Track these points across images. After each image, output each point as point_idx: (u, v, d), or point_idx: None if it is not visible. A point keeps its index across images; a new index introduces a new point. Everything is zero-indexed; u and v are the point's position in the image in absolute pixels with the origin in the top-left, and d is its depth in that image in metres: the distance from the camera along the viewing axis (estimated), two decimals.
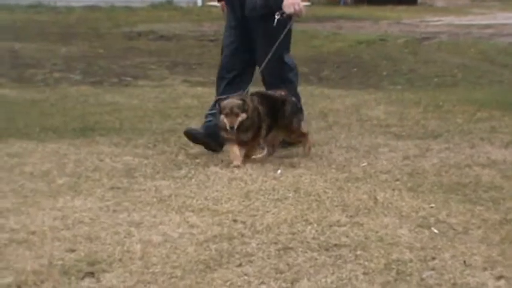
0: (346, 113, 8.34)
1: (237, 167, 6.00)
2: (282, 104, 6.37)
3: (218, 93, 6.60)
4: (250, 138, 6.17)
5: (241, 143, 6.15)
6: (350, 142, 6.97)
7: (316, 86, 10.59)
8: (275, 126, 6.35)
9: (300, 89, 10.16)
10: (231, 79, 6.61)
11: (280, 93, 6.42)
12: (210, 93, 9.73)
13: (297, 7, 6.27)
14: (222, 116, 6.09)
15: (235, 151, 6.12)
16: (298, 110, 6.53)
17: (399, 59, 12.49)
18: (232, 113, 6.06)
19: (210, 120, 6.58)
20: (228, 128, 6.06)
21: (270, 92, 6.48)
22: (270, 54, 6.36)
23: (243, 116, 6.07)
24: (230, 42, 6.63)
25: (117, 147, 6.82)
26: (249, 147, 6.22)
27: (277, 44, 6.34)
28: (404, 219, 4.82)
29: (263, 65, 6.42)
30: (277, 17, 6.29)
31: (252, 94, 6.38)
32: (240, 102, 6.09)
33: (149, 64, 12.48)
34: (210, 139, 6.48)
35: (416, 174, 5.90)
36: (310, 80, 11.22)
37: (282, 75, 6.59)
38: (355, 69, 12.08)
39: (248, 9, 6.42)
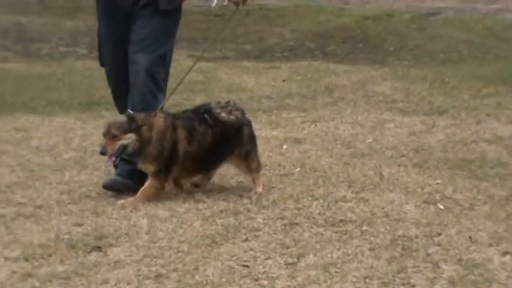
0: (352, 89, 8.30)
1: (124, 205, 4.66)
2: (238, 128, 4.91)
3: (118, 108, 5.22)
4: (152, 171, 4.75)
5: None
6: (356, 118, 6.94)
7: (322, 61, 10.54)
8: (228, 158, 4.95)
9: (306, 64, 10.24)
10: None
11: (231, 112, 4.93)
12: (215, 69, 9.75)
13: None
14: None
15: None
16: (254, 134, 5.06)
17: (405, 35, 12.42)
18: (108, 134, 4.65)
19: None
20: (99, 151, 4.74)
21: (217, 111, 4.90)
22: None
23: (129, 138, 4.65)
24: (119, 52, 5.07)
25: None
26: (147, 184, 4.76)
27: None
28: (410, 195, 4.81)
29: (143, 62, 4.94)
30: (224, 3, 5.17)
31: (187, 112, 4.93)
32: (123, 120, 4.70)
33: None
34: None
35: (422, 150, 5.88)
36: (315, 55, 11.17)
37: (159, 79, 5.02)
38: (361, 45, 12.01)
39: (163, 3, 4.99)
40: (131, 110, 4.85)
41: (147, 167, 4.73)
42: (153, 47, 4.95)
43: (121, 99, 5.08)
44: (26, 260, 3.85)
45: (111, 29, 5.07)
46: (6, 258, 3.86)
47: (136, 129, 4.64)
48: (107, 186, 4.87)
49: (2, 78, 8.88)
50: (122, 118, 4.71)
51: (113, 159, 4.65)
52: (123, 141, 4.63)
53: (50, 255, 3.91)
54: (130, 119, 4.66)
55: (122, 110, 5.06)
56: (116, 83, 5.11)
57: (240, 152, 4.91)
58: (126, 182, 4.89)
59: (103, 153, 4.65)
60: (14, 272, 3.71)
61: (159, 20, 4.99)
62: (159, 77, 5.00)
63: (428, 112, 7.19)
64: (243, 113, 4.99)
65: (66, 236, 4.16)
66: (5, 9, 14.13)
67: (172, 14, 5.05)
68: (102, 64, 5.17)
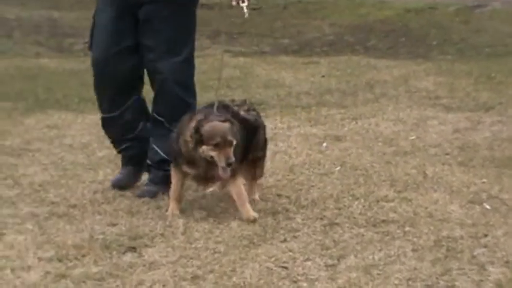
0: (393, 85, 8.22)
1: (173, 215, 4.42)
2: (255, 128, 4.70)
3: (102, 106, 4.91)
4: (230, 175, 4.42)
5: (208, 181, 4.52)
6: (398, 114, 6.84)
7: (363, 56, 10.45)
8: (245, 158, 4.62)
9: (346, 59, 10.15)
10: (118, 89, 4.79)
11: (247, 110, 4.71)
12: (252, 64, 9.69)
13: None
14: (207, 148, 4.30)
15: (177, 195, 4.50)
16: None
17: (449, 28, 12.26)
18: (226, 143, 4.31)
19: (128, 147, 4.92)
20: (224, 164, 4.29)
21: (236, 109, 4.63)
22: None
23: (234, 143, 4.37)
24: (113, 39, 4.71)
25: None
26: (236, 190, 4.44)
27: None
28: (455, 195, 4.72)
29: (164, 65, 4.67)
30: (244, 5, 4.74)
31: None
32: (229, 125, 4.38)
33: None
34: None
35: (467, 148, 5.78)
36: (356, 50, 11.07)
37: (189, 83, 4.81)
38: (403, 39, 11.88)
39: None
40: (158, 116, 4.73)
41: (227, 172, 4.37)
42: (174, 51, 4.66)
43: (106, 92, 4.78)
44: (60, 260, 3.82)
45: (112, 19, 4.68)
46: (40, 259, 3.83)
47: (236, 133, 4.39)
48: (140, 196, 4.74)
49: (34, 74, 8.91)
50: (225, 124, 4.33)
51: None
52: (232, 147, 4.32)
53: (83, 255, 3.87)
54: (232, 122, 4.37)
55: (107, 102, 4.80)
56: (102, 72, 4.73)
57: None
58: (159, 188, 4.74)
59: (231, 164, 4.27)
60: (47, 272, 3.69)
61: (174, 18, 4.66)
62: (190, 81, 4.79)
63: (473, 108, 7.06)
64: (259, 115, 4.78)
65: (100, 236, 4.12)
66: (37, 4, 14.23)
67: (187, 9, 4.73)
68: (92, 51, 4.81)
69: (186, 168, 4.42)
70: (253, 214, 4.34)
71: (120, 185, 4.84)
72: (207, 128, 4.31)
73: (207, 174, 4.40)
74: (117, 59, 4.68)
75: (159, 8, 4.64)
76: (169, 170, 4.68)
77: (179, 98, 4.70)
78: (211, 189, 4.77)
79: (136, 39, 4.71)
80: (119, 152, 5.00)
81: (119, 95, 4.78)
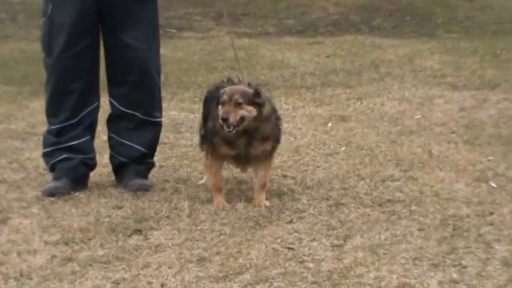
0: (399, 64, 8.21)
1: (223, 207, 4.28)
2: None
3: (60, 116, 4.68)
4: (266, 154, 4.37)
5: (244, 162, 4.39)
6: (403, 94, 6.83)
7: (368, 35, 10.41)
8: None
9: (350, 38, 10.11)
10: (80, 92, 4.59)
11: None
12: (256, 45, 9.65)
13: None
14: (218, 108, 4.22)
15: (219, 186, 4.37)
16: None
17: (455, 6, 12.21)
18: (231, 101, 4.18)
19: (66, 158, 4.62)
20: (220, 119, 4.16)
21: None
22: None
23: (250, 112, 4.20)
24: (74, 35, 4.48)
25: (162, 102, 6.72)
26: (264, 173, 4.35)
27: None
28: (461, 173, 4.71)
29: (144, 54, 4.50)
30: None
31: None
32: (244, 88, 4.27)
33: (194, 15, 12.32)
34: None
35: (473, 126, 5.77)
36: (361, 29, 11.02)
37: (160, 67, 4.69)
38: (408, 18, 11.83)
39: None
40: (130, 110, 4.60)
41: (262, 147, 4.32)
42: (150, 39, 4.53)
43: (67, 98, 4.59)
44: (66, 244, 3.82)
45: (76, 17, 4.44)
46: (46, 242, 3.83)
47: (259, 105, 4.22)
48: (138, 190, 4.54)
49: (39, 57, 8.74)
50: (247, 88, 4.26)
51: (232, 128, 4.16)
52: (245, 113, 4.16)
53: (89, 239, 3.86)
54: (257, 92, 4.24)
55: (67, 108, 4.61)
56: (65, 75, 4.58)
57: None
58: (146, 179, 4.65)
59: (226, 119, 4.11)
60: (54, 256, 3.68)
61: (143, 6, 4.52)
62: (160, 64, 4.67)
63: (479, 86, 7.05)
64: None
65: (106, 219, 4.12)
66: None
67: None
68: (51, 53, 4.60)
69: (225, 150, 4.28)
70: (266, 203, 4.29)
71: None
72: (224, 89, 4.25)
73: (246, 151, 4.28)
74: (80, 59, 4.51)
75: None
76: (151, 164, 4.68)
77: (158, 87, 4.63)
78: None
79: (94, 37, 4.52)
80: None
81: (81, 99, 4.61)
